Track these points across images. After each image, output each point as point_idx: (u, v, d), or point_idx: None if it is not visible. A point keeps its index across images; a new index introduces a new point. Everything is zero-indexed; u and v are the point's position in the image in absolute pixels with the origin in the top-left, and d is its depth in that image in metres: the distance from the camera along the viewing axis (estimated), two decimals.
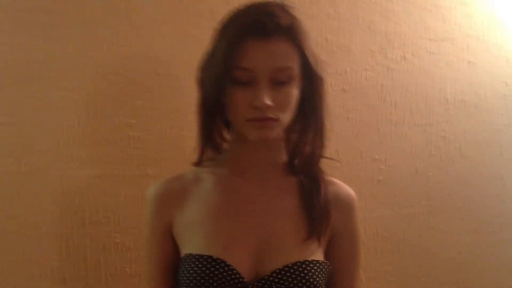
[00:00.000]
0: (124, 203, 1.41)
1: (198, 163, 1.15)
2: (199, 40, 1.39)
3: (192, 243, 1.07)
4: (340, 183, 1.19)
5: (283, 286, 1.01)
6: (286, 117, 1.05)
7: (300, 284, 1.02)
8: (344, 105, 1.66)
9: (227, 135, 1.15)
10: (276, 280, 1.02)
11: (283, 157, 1.16)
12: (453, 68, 1.80)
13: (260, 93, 0.99)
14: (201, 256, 1.03)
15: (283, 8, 1.06)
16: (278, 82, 1.01)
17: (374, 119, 1.71)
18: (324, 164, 1.15)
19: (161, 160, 1.44)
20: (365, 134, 1.70)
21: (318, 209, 1.10)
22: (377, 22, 1.67)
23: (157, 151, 1.44)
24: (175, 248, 1.12)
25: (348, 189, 1.18)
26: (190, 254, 1.05)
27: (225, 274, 1.01)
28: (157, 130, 1.44)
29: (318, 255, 1.08)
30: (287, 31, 1.02)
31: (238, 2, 1.07)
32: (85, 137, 1.38)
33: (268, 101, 0.99)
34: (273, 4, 1.07)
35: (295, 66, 1.03)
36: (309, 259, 1.06)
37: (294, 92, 1.05)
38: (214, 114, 1.10)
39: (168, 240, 1.12)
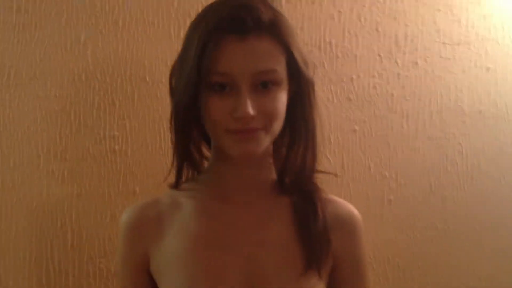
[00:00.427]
0: (109, 224, 1.52)
1: (175, 186, 1.16)
2: None
3: (171, 283, 1.08)
4: (340, 200, 1.20)
5: None
6: (275, 126, 1.04)
7: None
8: (349, 116, 1.76)
9: (207, 152, 1.18)
10: None
11: (272, 175, 1.17)
12: (470, 75, 1.88)
13: (241, 101, 0.98)
14: None
15: (264, 2, 1.05)
16: (262, 86, 1.01)
17: (383, 131, 1.80)
18: (323, 180, 1.18)
19: (150, 177, 1.55)
20: (374, 148, 1.79)
21: (315, 236, 1.09)
22: (385, 25, 1.77)
23: (145, 167, 1.55)
24: (152, 284, 1.14)
25: (349, 207, 1.19)
26: None
27: None
28: (145, 143, 1.55)
29: None
30: (270, 27, 1.02)
31: None
32: (67, 151, 1.50)
33: (252, 110, 0.98)
34: None
35: (280, 68, 1.03)
36: None
37: (282, 97, 1.04)
38: (188, 127, 1.10)
39: (143, 275, 1.14)
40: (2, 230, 1.46)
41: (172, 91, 1.13)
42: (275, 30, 1.03)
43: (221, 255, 1.08)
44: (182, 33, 1.47)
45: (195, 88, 1.01)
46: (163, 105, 1.53)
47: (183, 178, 1.16)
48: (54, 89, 1.48)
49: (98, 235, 1.52)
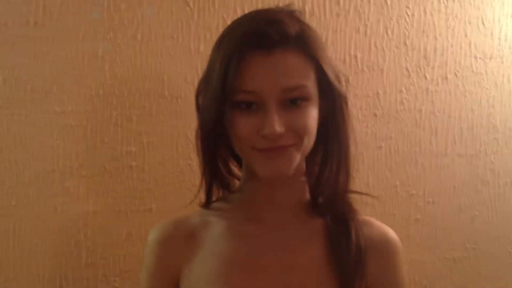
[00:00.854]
0: (125, 242, 1.50)
1: (205, 205, 1.16)
2: (208, 57, 1.51)
3: None
4: (377, 223, 1.16)
5: None
6: (306, 142, 1.01)
7: None
8: (376, 133, 1.73)
9: (238, 171, 1.17)
10: None
11: (306, 195, 1.14)
12: (502, 91, 1.85)
13: (268, 118, 0.96)
14: None
15: (291, 15, 1.04)
16: (291, 103, 0.99)
17: (411, 148, 1.76)
18: (355, 200, 1.15)
19: (167, 194, 1.53)
20: (401, 165, 1.76)
21: (348, 259, 1.06)
22: (413, 38, 1.74)
23: (162, 184, 1.53)
24: None
25: (387, 230, 1.16)
26: None
27: None
28: (162, 159, 1.53)
29: None
30: (297, 40, 0.99)
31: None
32: (83, 168, 1.48)
33: (279, 127, 0.95)
34: (278, 11, 1.05)
35: (310, 83, 1.00)
36: None
37: (312, 112, 1.01)
38: (215, 146, 1.08)
39: None
40: (16, 247, 1.45)
41: (199, 109, 1.12)
42: (302, 43, 1.00)
43: (253, 278, 1.06)
44: (202, 47, 1.51)
45: (221, 107, 0.99)
46: (182, 121, 1.53)
47: (214, 197, 1.15)
48: (71, 104, 1.47)
49: (113, 254, 1.51)
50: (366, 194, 1.16)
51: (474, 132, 1.83)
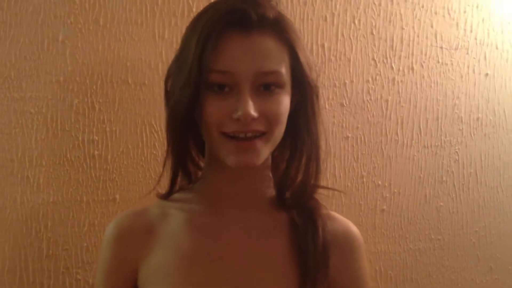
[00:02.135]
0: (87, 233, 1.47)
1: (166, 196, 1.12)
2: (175, 44, 1.49)
3: None
4: (340, 218, 1.14)
5: None
6: (276, 132, 0.99)
7: None
8: (342, 123, 1.71)
9: (201, 162, 1.14)
10: None
11: (271, 190, 1.11)
12: (467, 81, 1.86)
13: (242, 101, 0.93)
14: None
15: (268, 1, 1.01)
16: (264, 88, 0.96)
17: (378, 139, 1.76)
18: (321, 192, 1.14)
19: (131, 184, 1.50)
20: (367, 156, 1.75)
21: (313, 254, 1.04)
22: (380, 28, 1.74)
23: (126, 174, 1.49)
24: None
25: (349, 225, 1.14)
26: None
27: None
28: (126, 149, 1.49)
29: None
30: (275, 24, 0.97)
31: None
32: (43, 157, 1.44)
33: (253, 111, 0.93)
34: None
35: (284, 70, 0.98)
36: None
37: (284, 101, 0.99)
38: (184, 133, 1.05)
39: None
40: None
41: (168, 95, 1.07)
42: (279, 28, 0.98)
43: (210, 271, 1.03)
44: (167, 33, 1.48)
45: (195, 87, 0.95)
46: (146, 109, 1.50)
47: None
48: (30, 91, 1.42)
49: (75, 245, 1.47)
50: (333, 189, 1.17)
51: (439, 123, 1.84)
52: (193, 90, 0.95)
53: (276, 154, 1.09)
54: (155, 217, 1.10)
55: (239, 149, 0.96)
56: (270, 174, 1.11)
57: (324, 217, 1.09)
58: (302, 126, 1.06)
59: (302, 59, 1.01)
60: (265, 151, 0.99)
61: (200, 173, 1.13)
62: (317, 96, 1.07)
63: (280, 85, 0.98)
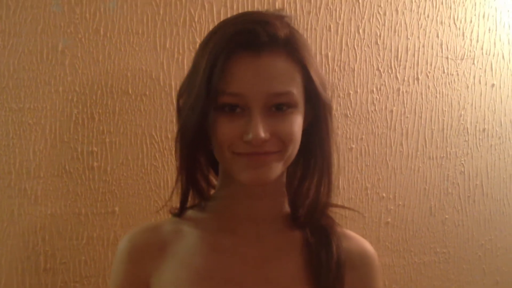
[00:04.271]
0: (86, 246, 1.44)
1: (178, 214, 1.11)
2: (176, 54, 1.47)
3: None
4: (355, 235, 1.14)
5: None
6: (290, 150, 0.98)
7: None
8: (346, 133, 1.70)
9: (214, 180, 1.13)
10: None
11: (285, 208, 1.10)
12: (473, 92, 1.84)
13: (252, 123, 0.92)
14: None
15: (281, 18, 1.00)
16: (276, 109, 0.95)
17: (382, 150, 1.74)
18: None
19: (131, 196, 1.47)
20: (371, 167, 1.73)
21: (327, 273, 1.03)
22: (385, 37, 1.72)
23: (125, 186, 1.47)
24: None
25: (364, 244, 1.13)
26: None
27: None
28: (126, 160, 1.47)
29: None
30: (286, 44, 0.96)
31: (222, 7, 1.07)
32: (41, 168, 1.41)
33: (263, 133, 0.92)
34: (267, 13, 1.02)
35: (296, 90, 0.97)
36: None
37: (298, 120, 0.98)
38: (196, 151, 1.04)
39: None
40: None
41: (179, 112, 1.06)
42: (291, 47, 0.97)
43: None
44: (168, 43, 1.46)
45: (204, 109, 0.95)
46: (147, 120, 1.48)
47: (188, 205, 1.11)
48: (29, 101, 1.40)
49: (74, 258, 1.45)
50: (349, 208, 1.16)
51: (444, 134, 1.82)
52: (201, 113, 0.95)
53: (290, 171, 1.08)
54: (168, 234, 1.08)
55: (251, 164, 0.96)
56: (285, 191, 1.10)
57: (339, 236, 1.08)
58: (315, 144, 1.05)
59: (315, 78, 1.00)
60: (277, 167, 0.98)
61: (212, 190, 1.12)
62: (331, 114, 1.05)
63: (292, 105, 0.97)
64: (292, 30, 1.00)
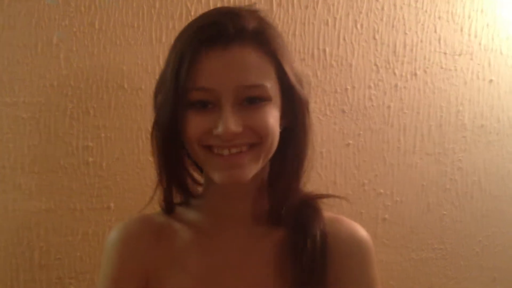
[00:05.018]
0: (81, 242, 1.44)
1: (167, 211, 1.09)
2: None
3: None
4: (346, 220, 1.10)
5: None
6: (267, 144, 0.96)
7: None
8: (343, 129, 1.69)
9: (200, 178, 1.11)
10: None
11: (267, 206, 1.07)
12: (471, 88, 1.83)
13: (223, 117, 0.91)
14: None
15: (252, 12, 0.99)
16: (248, 102, 0.94)
17: (379, 146, 1.73)
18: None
19: (126, 191, 1.47)
20: (368, 163, 1.72)
21: (304, 261, 1.00)
22: (383, 32, 1.71)
23: (121, 181, 1.46)
24: None
25: (355, 228, 1.09)
26: None
27: None
28: (121, 155, 1.46)
29: None
30: (255, 36, 0.94)
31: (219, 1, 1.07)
32: (35, 163, 1.40)
33: (235, 127, 0.90)
34: (239, 7, 1.01)
35: (269, 83, 0.95)
36: None
37: (273, 112, 0.96)
38: (172, 148, 1.00)
39: None
40: None
41: (155, 108, 1.04)
42: (261, 40, 0.95)
43: None
44: (164, 37, 1.44)
45: (174, 106, 0.94)
46: (142, 115, 1.46)
47: (174, 200, 1.09)
48: (23, 95, 1.39)
49: (68, 254, 1.44)
50: (333, 196, 1.11)
51: (442, 130, 1.81)
52: (171, 110, 0.94)
53: (271, 169, 1.06)
54: (161, 226, 1.07)
55: (225, 165, 0.95)
56: (267, 190, 1.07)
57: (322, 222, 1.05)
58: (290, 141, 1.03)
59: (288, 71, 0.98)
60: (253, 165, 0.97)
61: (200, 188, 1.11)
62: (308, 110, 1.03)
63: (265, 98, 0.95)
64: (262, 22, 0.98)
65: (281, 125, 0.99)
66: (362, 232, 1.09)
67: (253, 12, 0.98)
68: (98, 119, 1.43)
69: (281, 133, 1.00)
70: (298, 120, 1.02)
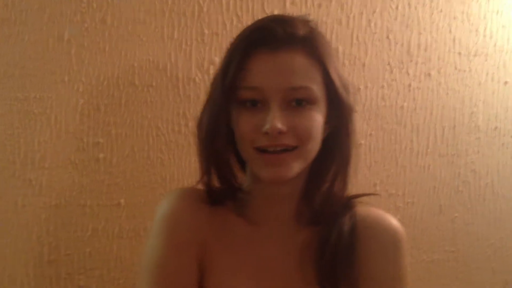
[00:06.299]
0: (90, 238, 1.42)
1: (211, 200, 1.11)
2: (184, 45, 1.44)
3: None
4: (376, 212, 1.12)
5: None
6: (309, 147, 0.99)
7: None
8: (356, 129, 1.66)
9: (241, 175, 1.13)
10: None
11: (306, 207, 1.10)
12: (486, 89, 1.81)
13: (270, 114, 0.95)
14: None
15: (304, 20, 1.03)
16: (296, 104, 0.97)
17: (391, 146, 1.72)
18: None
19: (136, 188, 1.45)
20: (380, 164, 1.71)
21: (328, 253, 1.04)
22: (396, 32, 1.69)
23: (131, 178, 1.45)
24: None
25: (385, 219, 1.10)
26: None
27: None
28: (131, 152, 1.45)
29: None
30: (304, 42, 0.98)
31: None
32: (46, 159, 1.39)
33: (280, 125, 0.94)
34: (291, 16, 1.05)
35: (316, 86, 0.98)
36: None
37: (317, 117, 0.99)
38: (216, 144, 1.03)
39: (195, 270, 1.05)
40: None
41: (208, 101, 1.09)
42: (309, 45, 0.99)
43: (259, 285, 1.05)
44: (176, 34, 1.43)
45: (221, 104, 1.00)
46: (153, 111, 1.45)
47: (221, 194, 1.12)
48: (34, 91, 1.37)
49: (78, 250, 1.42)
50: (364, 195, 1.16)
51: (455, 131, 1.80)
52: (218, 108, 1.00)
53: (311, 173, 1.09)
54: (214, 213, 1.10)
55: (269, 163, 0.98)
56: (306, 192, 1.10)
57: (350, 215, 1.08)
58: (334, 146, 1.07)
59: (334, 77, 1.01)
60: (295, 165, 1.00)
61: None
62: (352, 117, 1.07)
63: (311, 101, 0.98)
64: (312, 30, 1.02)
65: (325, 130, 1.04)
66: (394, 222, 1.10)
67: (305, 21, 1.03)
68: (109, 116, 1.42)
69: (325, 138, 1.05)
70: (342, 125, 1.06)
